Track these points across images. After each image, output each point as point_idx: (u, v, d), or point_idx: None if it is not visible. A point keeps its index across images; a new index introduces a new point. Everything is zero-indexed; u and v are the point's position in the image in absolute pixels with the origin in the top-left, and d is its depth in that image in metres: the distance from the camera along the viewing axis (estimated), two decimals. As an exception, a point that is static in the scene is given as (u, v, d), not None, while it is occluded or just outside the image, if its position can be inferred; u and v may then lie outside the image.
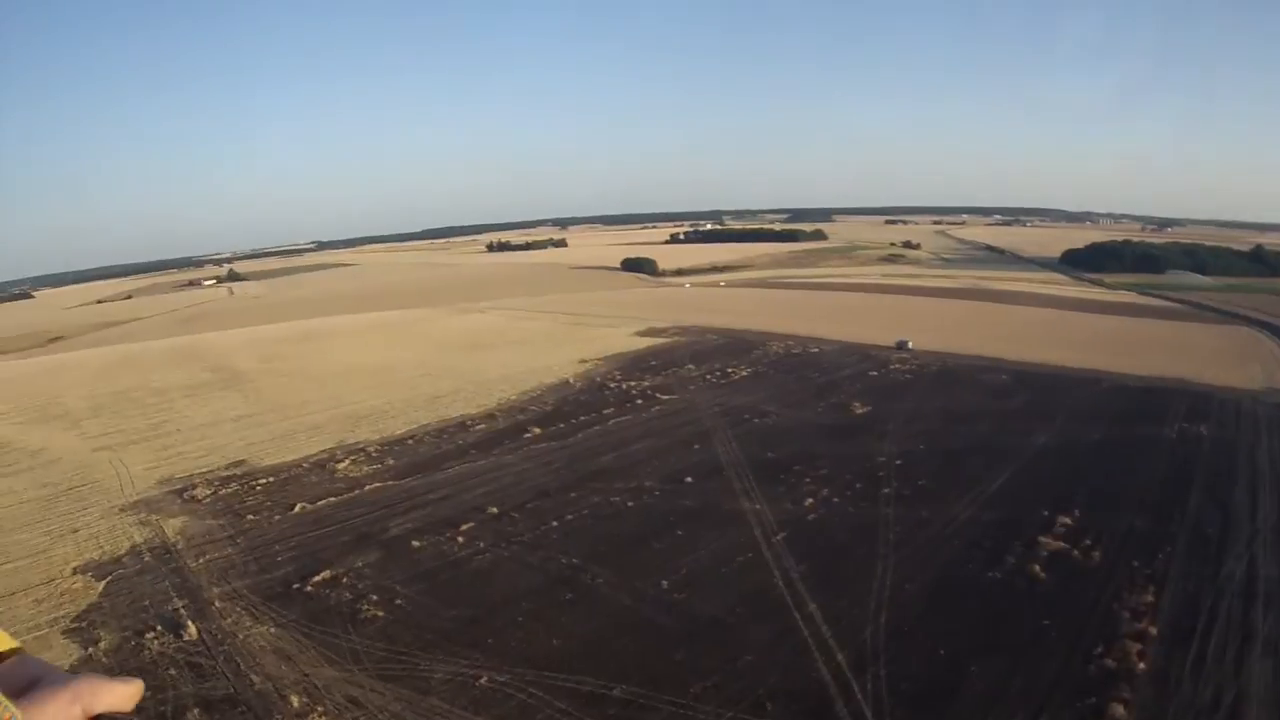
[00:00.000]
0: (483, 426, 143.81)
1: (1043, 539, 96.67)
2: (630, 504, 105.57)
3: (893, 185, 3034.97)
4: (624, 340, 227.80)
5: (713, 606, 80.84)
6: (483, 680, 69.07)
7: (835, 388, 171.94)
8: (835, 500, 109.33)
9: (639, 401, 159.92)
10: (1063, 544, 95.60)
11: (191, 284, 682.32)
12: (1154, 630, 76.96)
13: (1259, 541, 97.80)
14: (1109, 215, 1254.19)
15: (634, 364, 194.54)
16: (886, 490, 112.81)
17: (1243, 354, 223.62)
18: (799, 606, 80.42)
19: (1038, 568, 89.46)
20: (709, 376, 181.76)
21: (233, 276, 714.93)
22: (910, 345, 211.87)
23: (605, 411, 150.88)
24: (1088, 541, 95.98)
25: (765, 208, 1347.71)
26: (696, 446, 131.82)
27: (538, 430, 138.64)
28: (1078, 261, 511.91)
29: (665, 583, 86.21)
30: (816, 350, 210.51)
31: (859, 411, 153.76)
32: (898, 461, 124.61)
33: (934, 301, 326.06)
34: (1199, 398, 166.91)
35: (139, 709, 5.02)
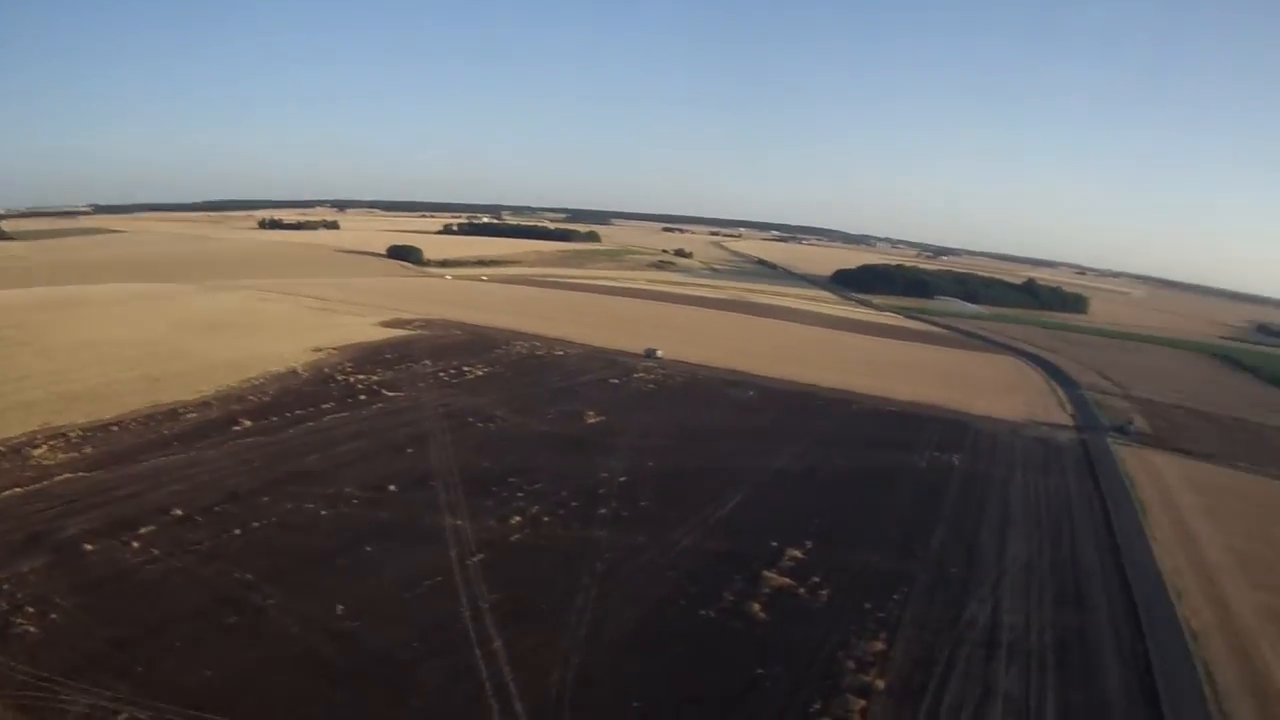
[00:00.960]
0: (194, 415, 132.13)
1: (767, 574, 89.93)
2: (324, 513, 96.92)
3: (675, 195, 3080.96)
4: (366, 330, 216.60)
5: (387, 639, 71.16)
6: (121, 717, 58.26)
7: (572, 394, 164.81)
8: (546, 520, 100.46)
9: (362, 397, 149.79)
10: (789, 580, 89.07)
11: None
12: (881, 684, 70.85)
13: (1005, 584, 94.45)
14: (887, 240, 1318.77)
15: (369, 356, 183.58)
16: (604, 511, 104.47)
17: (1006, 384, 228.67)
18: (483, 643, 71.32)
19: (758, 607, 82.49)
20: (443, 374, 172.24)
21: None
22: (660, 354, 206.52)
23: (324, 406, 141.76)
24: (816, 578, 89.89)
25: (546, 206, 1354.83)
26: (410, 451, 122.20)
27: (248, 423, 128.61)
28: (849, 281, 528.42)
29: (340, 608, 75.45)
30: (561, 353, 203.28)
31: (591, 421, 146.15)
32: (622, 479, 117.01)
33: (695, 311, 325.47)
34: (956, 426, 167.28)
35: None
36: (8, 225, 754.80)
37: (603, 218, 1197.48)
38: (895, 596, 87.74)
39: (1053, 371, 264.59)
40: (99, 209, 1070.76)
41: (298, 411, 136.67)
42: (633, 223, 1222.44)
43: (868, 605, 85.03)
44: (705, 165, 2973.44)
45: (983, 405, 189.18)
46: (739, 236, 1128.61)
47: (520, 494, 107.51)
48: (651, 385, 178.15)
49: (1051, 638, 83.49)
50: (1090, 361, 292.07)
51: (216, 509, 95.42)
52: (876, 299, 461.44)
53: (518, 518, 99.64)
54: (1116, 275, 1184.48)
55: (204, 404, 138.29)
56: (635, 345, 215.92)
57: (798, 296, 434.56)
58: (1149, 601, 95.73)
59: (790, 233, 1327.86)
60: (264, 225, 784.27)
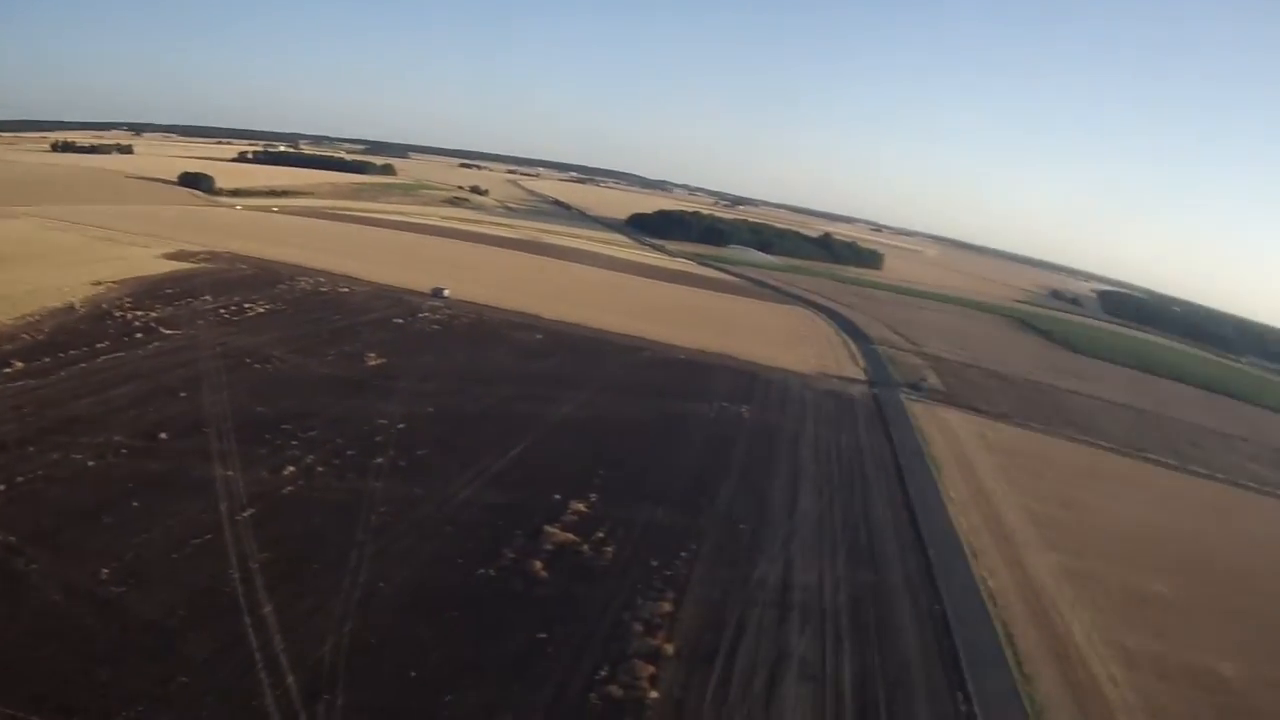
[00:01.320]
0: None
1: (550, 529, 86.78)
2: (91, 464, 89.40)
3: (475, 131, 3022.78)
4: (150, 262, 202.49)
5: (154, 606, 65.40)
6: None
7: (354, 334, 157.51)
8: (320, 470, 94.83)
9: (139, 336, 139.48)
10: (572, 536, 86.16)
11: None
12: (670, 648, 68.86)
13: (796, 542, 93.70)
14: (685, 187, 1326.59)
15: (150, 291, 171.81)
16: (380, 460, 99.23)
17: (798, 335, 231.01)
18: (253, 609, 66.42)
19: (540, 565, 79.27)
20: (223, 311, 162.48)
21: None
22: (447, 294, 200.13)
23: (99, 345, 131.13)
24: (601, 534, 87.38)
25: (344, 137, 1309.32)
26: (184, 394, 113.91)
27: (19, 364, 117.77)
28: (644, 226, 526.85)
29: (106, 571, 69.08)
30: (347, 290, 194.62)
31: (372, 364, 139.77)
32: (400, 425, 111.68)
33: (487, 250, 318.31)
34: (745, 376, 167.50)
35: None
36: None
37: (401, 151, 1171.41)
38: (683, 554, 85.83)
39: (845, 325, 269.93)
40: None
41: (71, 352, 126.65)
42: (431, 157, 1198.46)
43: (654, 563, 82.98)
44: (506, 102, 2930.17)
45: (773, 356, 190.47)
46: (537, 176, 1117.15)
47: (295, 442, 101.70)
48: (436, 326, 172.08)
49: (846, 597, 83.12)
50: (884, 317, 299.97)
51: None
52: (671, 245, 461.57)
53: (291, 468, 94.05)
54: (911, 234, 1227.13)
55: None
56: (423, 284, 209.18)
57: (592, 239, 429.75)
58: (945, 561, 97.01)
59: (589, 175, 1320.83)
60: (56, 148, 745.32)
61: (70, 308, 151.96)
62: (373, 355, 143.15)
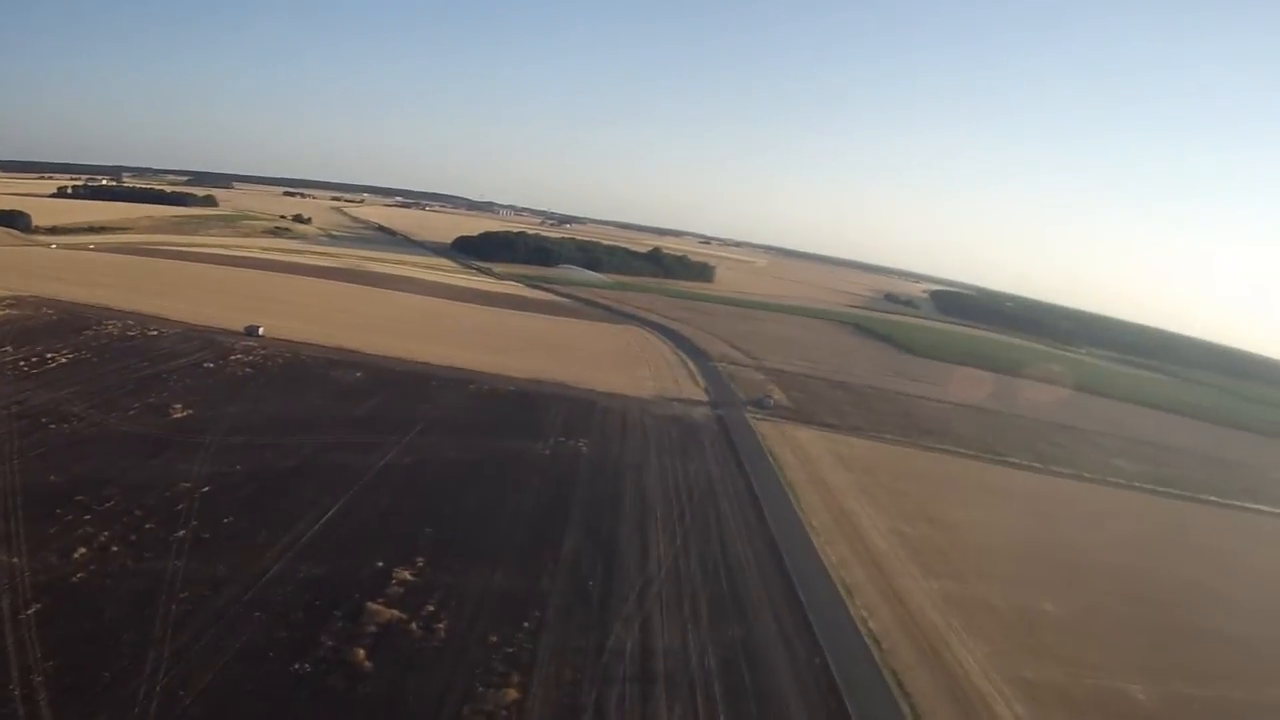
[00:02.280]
0: None
1: (373, 605, 75.33)
2: None
3: (299, 159, 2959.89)
4: None
5: None
6: None
7: (160, 382, 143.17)
8: (115, 549, 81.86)
9: None
10: (398, 612, 74.87)
11: None
12: None
13: (652, 597, 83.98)
14: (511, 207, 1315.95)
15: None
16: (182, 533, 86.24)
17: (632, 356, 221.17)
18: None
19: (363, 653, 67.99)
20: (22, 363, 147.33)
21: None
22: (262, 331, 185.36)
23: None
24: (431, 606, 76.57)
25: (168, 168, 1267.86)
26: None
27: None
28: (470, 249, 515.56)
29: None
30: (156, 333, 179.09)
31: (177, 416, 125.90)
32: (205, 488, 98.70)
33: (307, 281, 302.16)
34: (581, 405, 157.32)
35: None
36: None
37: (225, 181, 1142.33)
38: (526, 624, 75.95)
39: (681, 343, 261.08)
40: None
41: None
42: (256, 187, 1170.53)
43: (494, 638, 72.93)
44: (327, 128, 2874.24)
45: (609, 381, 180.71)
46: (362, 202, 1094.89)
47: (88, 516, 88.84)
48: (249, 369, 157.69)
49: (716, 660, 74.56)
50: (720, 332, 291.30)
51: None
52: (498, 267, 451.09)
53: (83, 549, 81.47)
54: (740, 245, 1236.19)
55: None
56: (238, 321, 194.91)
57: (416, 265, 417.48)
58: (819, 603, 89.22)
59: (414, 199, 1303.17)
60: None
61: None
62: (179, 407, 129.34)
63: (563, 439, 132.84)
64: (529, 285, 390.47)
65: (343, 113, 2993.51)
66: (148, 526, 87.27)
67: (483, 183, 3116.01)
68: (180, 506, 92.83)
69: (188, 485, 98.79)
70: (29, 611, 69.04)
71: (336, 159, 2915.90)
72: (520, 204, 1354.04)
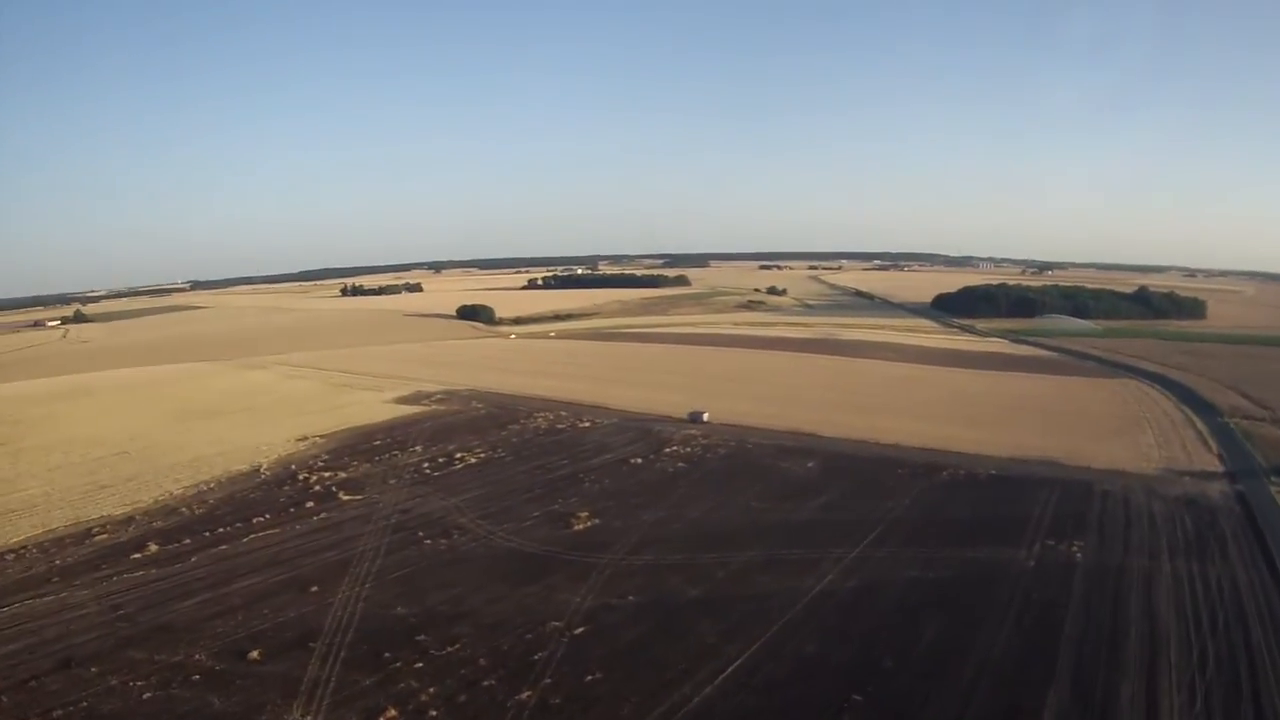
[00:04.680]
0: (103, 537, 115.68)
1: None
2: (147, 696, 72.40)
3: (774, 233, 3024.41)
4: (375, 409, 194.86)
5: None
6: None
7: (574, 484, 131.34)
8: (433, 713, 67.28)
9: (309, 505, 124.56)
10: None
11: (37, 324, 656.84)
12: None
13: None
14: (989, 260, 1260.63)
15: (356, 444, 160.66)
16: (526, 694, 69.45)
17: (1130, 416, 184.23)
18: None
19: None
20: (426, 465, 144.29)
21: (78, 318, 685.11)
22: (706, 417, 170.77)
23: (256, 520, 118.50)
24: None
25: (644, 253, 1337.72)
26: (315, 589, 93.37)
27: (155, 548, 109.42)
28: (949, 306, 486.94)
29: None
30: (588, 425, 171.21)
31: (578, 528, 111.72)
32: (579, 629, 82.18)
33: (772, 356, 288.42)
34: (1075, 490, 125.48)
35: None
36: (102, 307, 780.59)
37: (701, 261, 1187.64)
38: None
39: (1184, 395, 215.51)
40: (196, 284, 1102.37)
41: (221, 530, 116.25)
42: (731, 263, 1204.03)
43: None
44: (801, 198, 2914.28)
45: (1107, 454, 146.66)
46: (839, 269, 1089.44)
47: (420, 664, 76.06)
48: (682, 464, 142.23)
49: None
50: (1225, 377, 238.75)
51: (32, 683, 75.80)
52: (979, 323, 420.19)
53: (392, 711, 67.60)
54: (1224, 274, 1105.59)
55: (127, 520, 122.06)
56: (683, 407, 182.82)
57: (894, 328, 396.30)
58: None
59: (892, 260, 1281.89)
60: (345, 292, 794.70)
61: (255, 471, 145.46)
62: (584, 515, 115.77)
63: (1051, 542, 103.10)
64: (1013, 340, 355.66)
65: (815, 181, 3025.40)
66: (486, 683, 72.08)
67: (960, 239, 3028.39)
68: (539, 655, 76.76)
69: (558, 625, 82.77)
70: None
71: (812, 229, 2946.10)
72: (999, 255, 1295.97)
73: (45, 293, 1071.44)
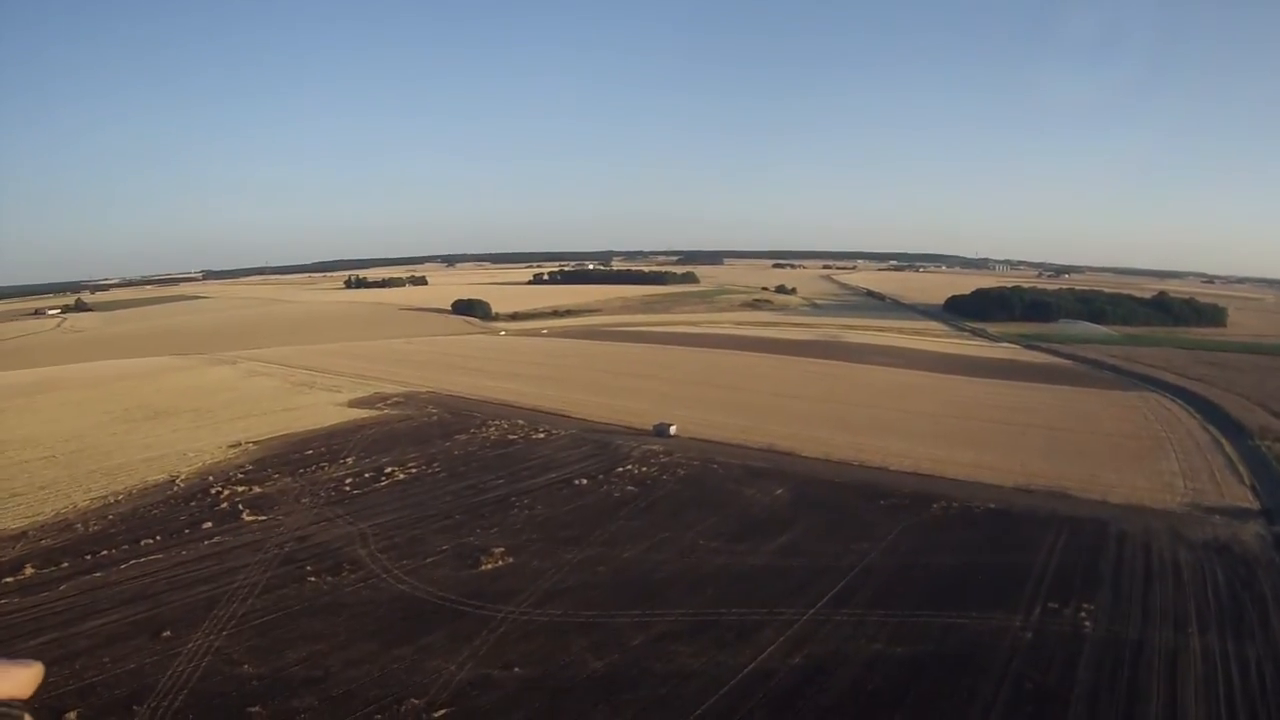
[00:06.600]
0: None
1: None
2: None
3: (790, 231, 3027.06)
4: (325, 412, 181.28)
5: None
6: None
7: (502, 509, 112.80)
8: None
9: (206, 526, 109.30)
10: None
11: (37, 312, 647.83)
12: None
13: None
14: (1006, 262, 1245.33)
15: (288, 453, 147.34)
16: None
17: (1151, 437, 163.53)
18: None
19: None
20: (349, 481, 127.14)
21: (79, 307, 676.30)
22: (673, 430, 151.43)
23: (144, 543, 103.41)
24: None
25: (658, 250, 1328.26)
26: (167, 634, 77.11)
27: (30, 571, 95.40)
28: (962, 309, 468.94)
29: None
30: (542, 435, 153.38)
31: (487, 567, 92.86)
32: (439, 714, 63.92)
33: (765, 359, 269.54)
34: (1086, 532, 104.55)
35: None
36: (109, 296, 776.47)
37: (715, 258, 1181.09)
38: None
39: (1209, 411, 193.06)
40: (209, 274, 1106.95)
41: (104, 552, 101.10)
42: (746, 261, 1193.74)
43: None
44: (816, 197, 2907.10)
45: (1124, 485, 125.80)
46: (854, 269, 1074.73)
47: None
48: (631, 488, 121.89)
49: None
50: (1252, 392, 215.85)
51: None
52: (992, 327, 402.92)
53: None
54: (1242, 281, 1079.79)
55: (17, 537, 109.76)
56: (651, 416, 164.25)
57: (902, 331, 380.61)
58: None
59: (908, 261, 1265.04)
60: (348, 284, 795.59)
61: (170, 482, 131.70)
62: (498, 551, 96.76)
63: (1054, 604, 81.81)
64: (1026, 346, 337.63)
65: (833, 182, 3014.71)
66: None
67: (976, 240, 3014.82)
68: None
69: (416, 703, 64.22)
70: None
71: (828, 228, 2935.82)
72: (1015, 258, 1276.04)
73: (61, 280, 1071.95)
